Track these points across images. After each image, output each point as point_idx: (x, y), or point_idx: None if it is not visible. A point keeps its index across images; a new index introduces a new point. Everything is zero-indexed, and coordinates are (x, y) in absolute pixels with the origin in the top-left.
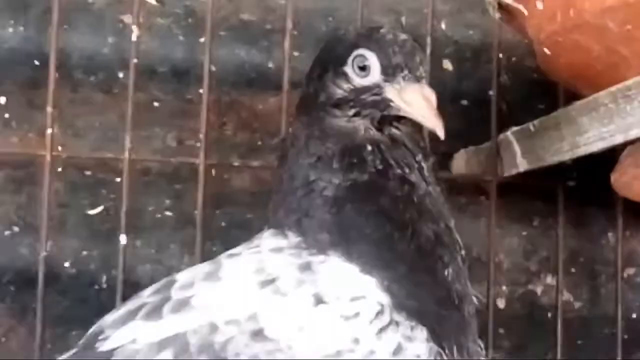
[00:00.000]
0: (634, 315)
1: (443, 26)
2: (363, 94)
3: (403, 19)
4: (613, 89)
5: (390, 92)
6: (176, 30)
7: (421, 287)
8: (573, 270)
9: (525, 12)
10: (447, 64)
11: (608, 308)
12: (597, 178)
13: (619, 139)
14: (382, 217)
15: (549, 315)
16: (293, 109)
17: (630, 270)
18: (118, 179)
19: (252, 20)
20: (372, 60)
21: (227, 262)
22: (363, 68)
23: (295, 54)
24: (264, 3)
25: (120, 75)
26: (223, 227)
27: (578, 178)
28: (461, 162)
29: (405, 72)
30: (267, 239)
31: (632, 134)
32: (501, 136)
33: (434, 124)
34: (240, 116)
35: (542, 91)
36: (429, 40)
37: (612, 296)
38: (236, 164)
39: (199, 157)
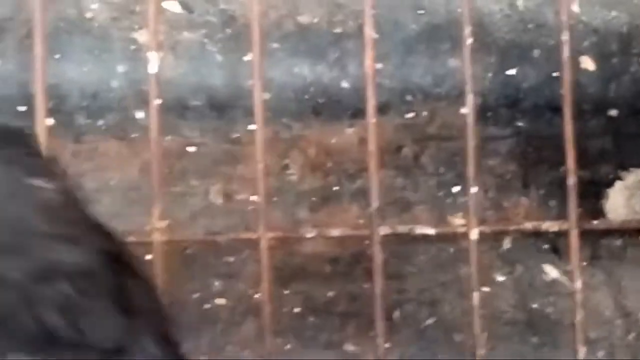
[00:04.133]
0: None
1: (576, 9)
2: None
3: (520, 2)
4: None
5: None
6: (211, 47)
7: None
8: None
9: None
10: (587, 62)
11: None
12: None
13: None
14: None
15: None
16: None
17: None
18: (147, 257)
19: (314, 23)
20: None
21: None
22: None
23: (379, 66)
24: None
25: (138, 115)
26: (296, 315)
27: None
28: (619, 201)
29: None
30: None
31: None
32: None
33: None
34: (307, 155)
35: None
36: (565, 31)
37: None
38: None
39: (254, 217)
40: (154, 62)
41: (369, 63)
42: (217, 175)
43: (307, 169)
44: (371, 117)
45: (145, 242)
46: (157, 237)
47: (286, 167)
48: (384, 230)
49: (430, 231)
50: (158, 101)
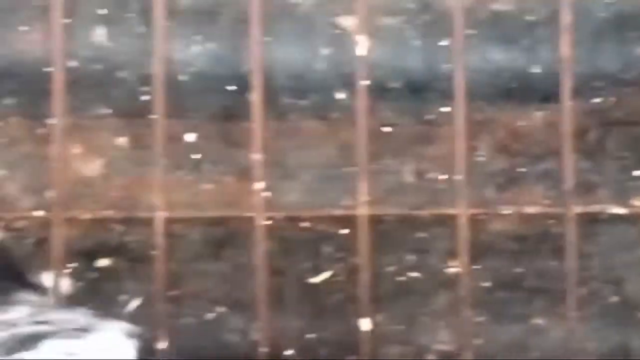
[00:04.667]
0: None
1: None
2: None
3: None
4: None
5: None
6: (410, 32)
7: None
8: None
9: None
10: None
11: None
12: None
13: None
14: None
15: None
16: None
17: None
18: (344, 231)
19: (507, 11)
20: None
21: None
22: None
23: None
24: None
25: (339, 96)
26: (485, 289)
27: None
28: None
29: None
30: None
31: None
32: None
33: None
34: (495, 137)
35: None
36: None
37: None
38: (494, 200)
39: (448, 194)
40: (362, 46)
41: (565, 48)
42: (410, 155)
43: (495, 150)
44: (566, 101)
45: (344, 217)
46: (361, 212)
47: (475, 148)
48: (576, 209)
49: (622, 211)
50: (365, 83)
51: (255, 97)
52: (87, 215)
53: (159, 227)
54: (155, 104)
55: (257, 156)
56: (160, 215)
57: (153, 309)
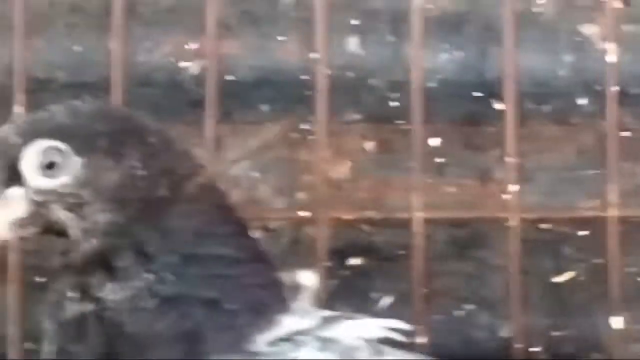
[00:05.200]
0: None
1: None
2: None
3: None
4: None
5: None
6: None
7: None
8: None
9: None
10: None
11: None
12: None
13: None
14: None
15: None
16: None
17: None
18: (583, 232)
19: None
20: None
21: None
22: None
23: None
24: None
25: (581, 101)
26: None
27: None
28: None
29: None
30: None
31: None
32: None
33: None
34: None
35: None
36: None
37: None
38: None
39: None
40: (611, 53)
41: None
42: None
43: None
44: None
45: (584, 219)
46: (610, 213)
47: None
48: None
49: None
50: (614, 89)
51: (507, 103)
52: (344, 216)
53: (417, 227)
54: (407, 110)
55: (510, 160)
56: (417, 216)
57: (406, 306)
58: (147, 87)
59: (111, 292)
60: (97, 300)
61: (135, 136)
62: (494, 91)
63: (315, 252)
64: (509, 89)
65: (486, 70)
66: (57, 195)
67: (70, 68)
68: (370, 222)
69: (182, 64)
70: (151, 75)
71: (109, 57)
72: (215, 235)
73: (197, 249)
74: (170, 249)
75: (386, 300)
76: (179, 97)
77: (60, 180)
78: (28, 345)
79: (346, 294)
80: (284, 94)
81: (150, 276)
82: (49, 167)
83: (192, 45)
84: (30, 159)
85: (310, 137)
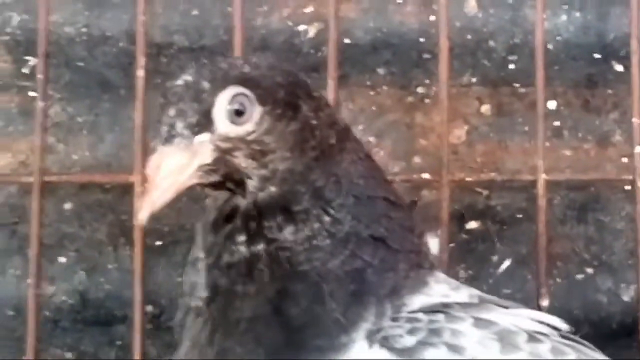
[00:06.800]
0: None
1: None
2: None
3: None
4: None
5: None
6: None
7: None
8: None
9: None
10: None
11: None
12: None
13: None
14: None
15: None
16: None
17: None
18: None
19: None
20: None
21: None
22: None
23: None
24: None
25: None
26: None
27: None
28: None
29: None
30: None
31: None
32: None
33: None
34: None
35: None
36: None
37: None
38: None
39: None
40: None
41: None
42: None
43: None
44: None
45: None
46: None
47: None
48: None
49: None
50: None
51: (633, 64)
52: (466, 178)
53: (540, 189)
54: (525, 73)
55: (636, 120)
56: (541, 178)
57: (525, 269)
58: (264, 51)
59: (290, 234)
60: (270, 241)
61: (305, 89)
62: (614, 53)
63: (433, 216)
64: (635, 49)
65: (607, 31)
66: (242, 142)
67: (189, 32)
68: (488, 185)
69: (300, 27)
70: (269, 39)
71: (228, 20)
72: (376, 179)
73: (365, 191)
74: (345, 191)
75: (504, 264)
76: (296, 60)
77: (245, 128)
78: (148, 308)
79: (465, 258)
80: (401, 57)
81: (327, 218)
82: (237, 114)
83: (310, 8)
84: (222, 105)
85: (426, 101)
